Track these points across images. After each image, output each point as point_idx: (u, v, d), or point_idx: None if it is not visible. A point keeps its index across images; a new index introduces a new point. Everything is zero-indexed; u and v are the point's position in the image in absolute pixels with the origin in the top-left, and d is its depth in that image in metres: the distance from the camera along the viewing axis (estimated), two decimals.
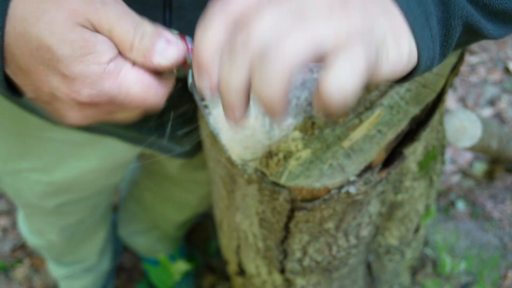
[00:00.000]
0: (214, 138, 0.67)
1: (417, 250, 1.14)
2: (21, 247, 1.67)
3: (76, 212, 1.09)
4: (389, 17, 0.41)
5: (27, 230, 1.28)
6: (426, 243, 1.30)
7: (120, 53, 0.44)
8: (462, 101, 1.81)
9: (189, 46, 0.47)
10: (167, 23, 0.60)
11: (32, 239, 1.28)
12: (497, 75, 1.84)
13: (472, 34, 0.48)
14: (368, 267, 0.98)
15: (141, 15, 0.46)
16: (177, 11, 0.59)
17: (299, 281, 0.87)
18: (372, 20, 0.38)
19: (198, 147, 0.88)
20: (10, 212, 1.72)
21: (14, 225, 1.69)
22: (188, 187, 1.19)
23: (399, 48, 0.41)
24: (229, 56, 0.37)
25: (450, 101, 1.79)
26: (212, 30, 0.39)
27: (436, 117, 0.72)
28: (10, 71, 0.45)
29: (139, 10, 0.46)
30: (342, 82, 0.34)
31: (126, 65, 0.44)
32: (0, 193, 1.74)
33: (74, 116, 0.45)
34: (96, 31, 0.43)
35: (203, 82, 0.40)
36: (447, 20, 0.45)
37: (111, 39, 0.43)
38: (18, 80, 0.45)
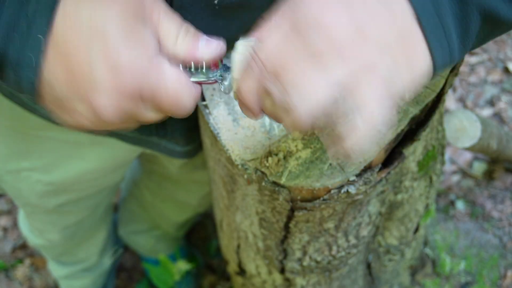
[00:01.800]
0: (214, 138, 0.67)
1: (417, 250, 1.14)
2: (22, 247, 1.67)
3: (76, 212, 1.09)
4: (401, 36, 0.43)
5: (27, 230, 1.28)
6: (426, 243, 1.30)
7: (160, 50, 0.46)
8: (462, 101, 1.81)
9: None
10: None
11: (32, 239, 1.28)
12: (496, 75, 1.84)
13: (491, 24, 0.48)
14: (368, 267, 0.98)
15: None
16: (178, 11, 0.59)
17: (299, 281, 0.87)
18: (386, 54, 0.42)
19: (198, 147, 0.88)
20: (11, 212, 1.72)
21: (14, 225, 1.69)
22: (188, 187, 1.19)
23: (412, 70, 0.43)
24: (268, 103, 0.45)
25: (450, 101, 1.79)
26: (249, 79, 0.44)
27: (436, 117, 0.72)
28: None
29: None
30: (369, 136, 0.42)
31: (166, 62, 0.46)
32: (1, 193, 1.74)
33: (107, 104, 0.44)
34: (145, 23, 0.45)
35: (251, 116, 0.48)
36: (465, 15, 0.45)
37: (156, 33, 0.45)
38: (51, 67, 0.44)
